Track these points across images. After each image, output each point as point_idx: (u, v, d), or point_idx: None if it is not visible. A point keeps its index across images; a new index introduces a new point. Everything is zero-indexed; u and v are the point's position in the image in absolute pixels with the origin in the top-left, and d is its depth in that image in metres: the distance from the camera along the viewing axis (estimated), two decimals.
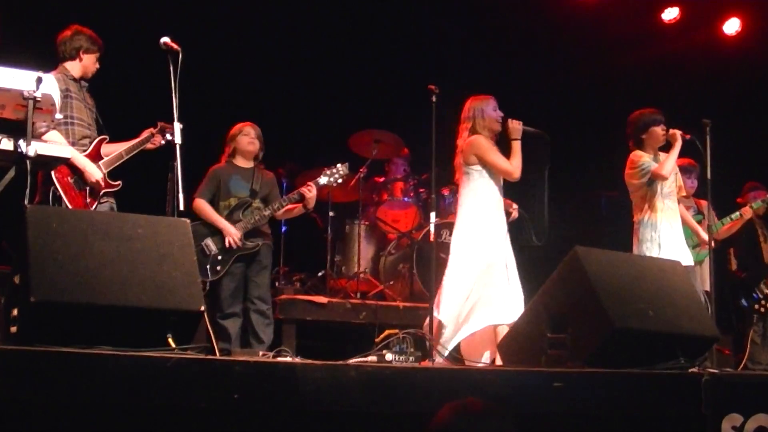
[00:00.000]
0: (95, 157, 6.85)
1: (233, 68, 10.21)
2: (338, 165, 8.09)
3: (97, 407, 3.93)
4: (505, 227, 7.39)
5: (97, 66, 7.14)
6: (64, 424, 3.90)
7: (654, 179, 7.62)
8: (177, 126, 6.29)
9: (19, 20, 8.27)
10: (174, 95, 6.36)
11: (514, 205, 7.74)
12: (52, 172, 6.54)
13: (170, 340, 4.60)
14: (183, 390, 4.08)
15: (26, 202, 5.22)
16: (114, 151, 6.95)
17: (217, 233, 7.65)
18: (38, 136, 6.44)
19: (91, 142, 6.91)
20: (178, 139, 6.27)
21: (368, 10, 11.03)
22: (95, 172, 6.75)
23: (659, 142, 7.74)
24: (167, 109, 6.32)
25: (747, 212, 8.98)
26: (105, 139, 6.96)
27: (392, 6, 11.09)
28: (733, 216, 8.95)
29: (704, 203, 8.21)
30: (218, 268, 7.59)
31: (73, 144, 6.81)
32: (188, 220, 5.11)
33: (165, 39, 6.55)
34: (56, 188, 6.54)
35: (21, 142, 5.45)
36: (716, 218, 8.76)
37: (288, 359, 5.61)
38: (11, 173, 5.59)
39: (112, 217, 5.38)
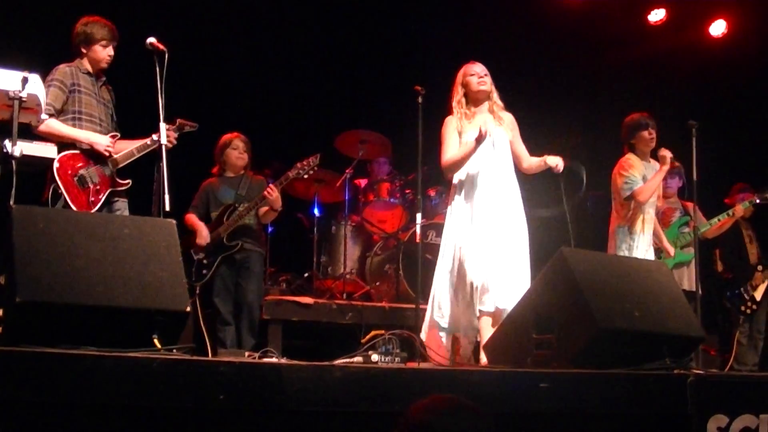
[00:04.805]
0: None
1: (219, 68, 10.19)
2: (310, 158, 8.08)
3: (82, 408, 3.92)
4: (484, 207, 6.87)
5: (109, 54, 6.86)
6: (49, 424, 3.89)
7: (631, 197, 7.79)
8: (162, 126, 6.28)
9: (4, 19, 8.25)
10: (160, 95, 6.35)
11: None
12: (55, 169, 6.44)
13: (156, 341, 4.60)
14: (169, 390, 4.07)
15: (12, 202, 5.20)
16: (125, 148, 6.80)
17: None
18: (35, 127, 6.41)
19: None
20: (164, 140, 6.26)
21: (354, 11, 11.03)
22: (101, 140, 6.61)
23: (648, 145, 7.92)
24: (153, 109, 6.31)
25: (738, 210, 9.01)
26: (116, 136, 6.81)
27: (379, 6, 11.09)
28: (721, 216, 8.99)
29: (690, 205, 8.25)
30: (204, 271, 7.71)
31: None
32: (174, 221, 5.10)
33: (151, 39, 6.54)
34: (58, 185, 6.47)
35: (6, 142, 5.44)
36: (704, 218, 8.82)
37: (274, 360, 5.61)
38: None
39: (98, 218, 5.37)
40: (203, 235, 7.79)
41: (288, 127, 10.73)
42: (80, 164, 6.61)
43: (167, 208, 6.00)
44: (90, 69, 6.90)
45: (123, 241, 4.75)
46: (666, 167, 7.75)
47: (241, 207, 7.86)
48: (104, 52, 6.86)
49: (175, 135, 6.87)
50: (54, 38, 8.55)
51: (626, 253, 7.71)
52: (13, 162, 5.41)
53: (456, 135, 6.98)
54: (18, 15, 8.56)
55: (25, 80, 5.48)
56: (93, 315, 4.46)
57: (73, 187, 6.52)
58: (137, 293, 4.61)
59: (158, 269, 4.76)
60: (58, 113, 6.66)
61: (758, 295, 9.33)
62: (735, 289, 9.45)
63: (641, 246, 7.77)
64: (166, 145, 6.60)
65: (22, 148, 5.48)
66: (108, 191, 6.68)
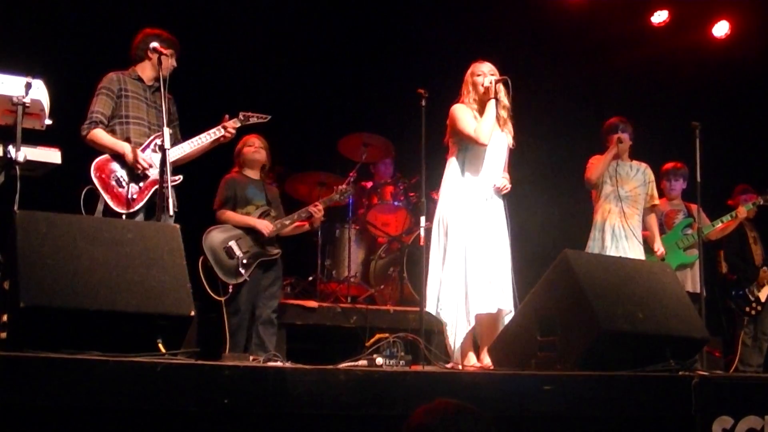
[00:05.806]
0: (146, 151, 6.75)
1: (222, 71, 10.18)
2: (347, 185, 8.52)
3: (87, 413, 3.92)
4: (480, 205, 6.80)
5: (172, 65, 6.93)
6: (53, 429, 3.90)
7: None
8: (166, 131, 6.28)
9: (7, 24, 8.25)
10: (163, 100, 6.37)
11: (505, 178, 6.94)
12: (92, 171, 6.51)
13: (160, 345, 4.60)
14: (173, 395, 4.08)
15: (15, 207, 5.21)
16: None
17: (242, 237, 7.68)
18: (84, 137, 6.66)
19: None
20: (167, 144, 6.26)
21: (358, 14, 11.02)
22: (131, 154, 6.63)
23: (619, 148, 8.29)
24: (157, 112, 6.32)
25: (741, 212, 9.05)
26: (160, 135, 6.83)
27: (381, 9, 11.09)
28: (724, 218, 9.00)
29: (694, 206, 8.25)
30: (243, 271, 7.57)
31: (127, 142, 6.73)
32: (177, 225, 5.11)
33: (154, 44, 6.57)
34: (95, 187, 6.49)
35: (10, 148, 5.45)
36: (708, 220, 8.82)
37: (278, 364, 5.60)
38: (0, 179, 5.59)
39: (101, 222, 5.37)
40: (267, 225, 7.77)
41: (291, 130, 10.72)
42: (118, 165, 6.65)
43: (171, 212, 6.02)
44: (142, 75, 6.97)
45: (126, 246, 4.76)
46: (612, 150, 8.23)
47: (272, 212, 7.93)
48: (168, 61, 6.90)
49: (235, 126, 7.14)
50: (58, 43, 8.57)
51: (593, 245, 8.12)
52: (17, 167, 5.42)
53: (471, 114, 6.86)
54: (21, 20, 8.56)
55: (28, 86, 5.49)
56: (96, 319, 4.47)
57: (111, 187, 6.55)
58: (140, 298, 4.62)
59: (161, 273, 4.76)
60: (108, 119, 6.78)
61: (763, 296, 9.31)
62: (739, 291, 9.43)
63: (606, 238, 8.06)
64: (221, 140, 7.08)
65: (25, 153, 5.49)
66: (154, 188, 6.67)
